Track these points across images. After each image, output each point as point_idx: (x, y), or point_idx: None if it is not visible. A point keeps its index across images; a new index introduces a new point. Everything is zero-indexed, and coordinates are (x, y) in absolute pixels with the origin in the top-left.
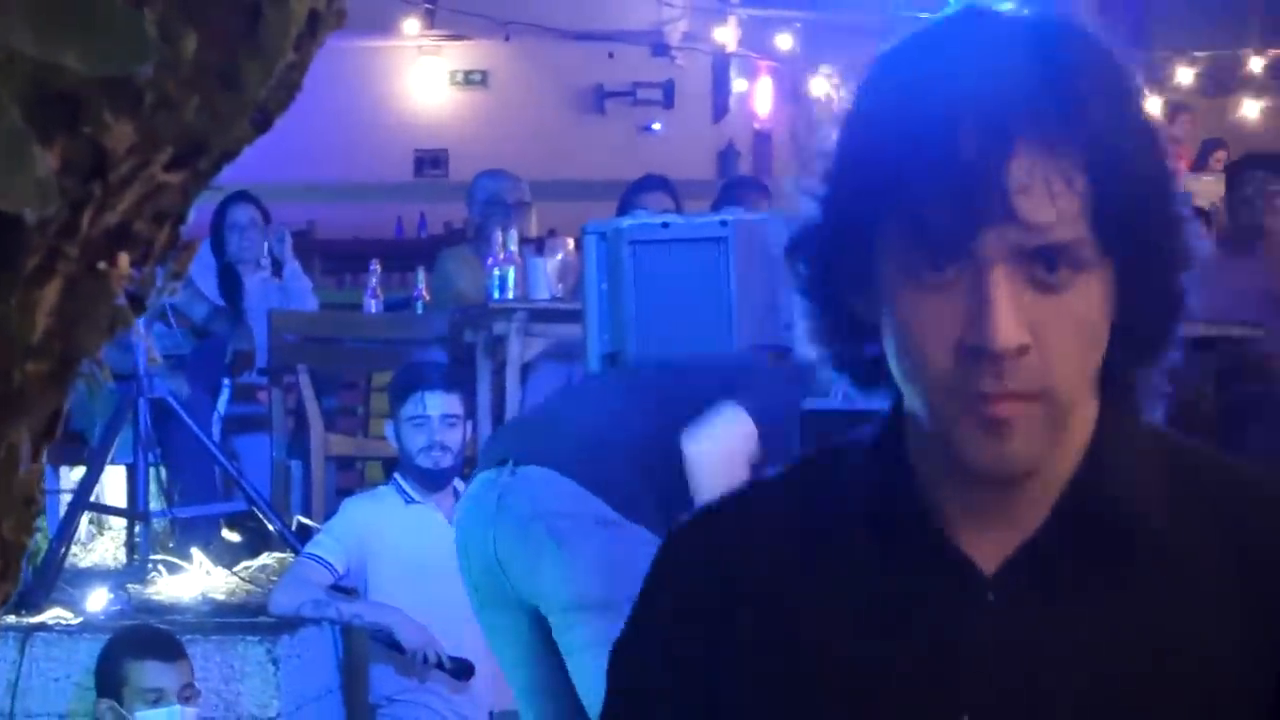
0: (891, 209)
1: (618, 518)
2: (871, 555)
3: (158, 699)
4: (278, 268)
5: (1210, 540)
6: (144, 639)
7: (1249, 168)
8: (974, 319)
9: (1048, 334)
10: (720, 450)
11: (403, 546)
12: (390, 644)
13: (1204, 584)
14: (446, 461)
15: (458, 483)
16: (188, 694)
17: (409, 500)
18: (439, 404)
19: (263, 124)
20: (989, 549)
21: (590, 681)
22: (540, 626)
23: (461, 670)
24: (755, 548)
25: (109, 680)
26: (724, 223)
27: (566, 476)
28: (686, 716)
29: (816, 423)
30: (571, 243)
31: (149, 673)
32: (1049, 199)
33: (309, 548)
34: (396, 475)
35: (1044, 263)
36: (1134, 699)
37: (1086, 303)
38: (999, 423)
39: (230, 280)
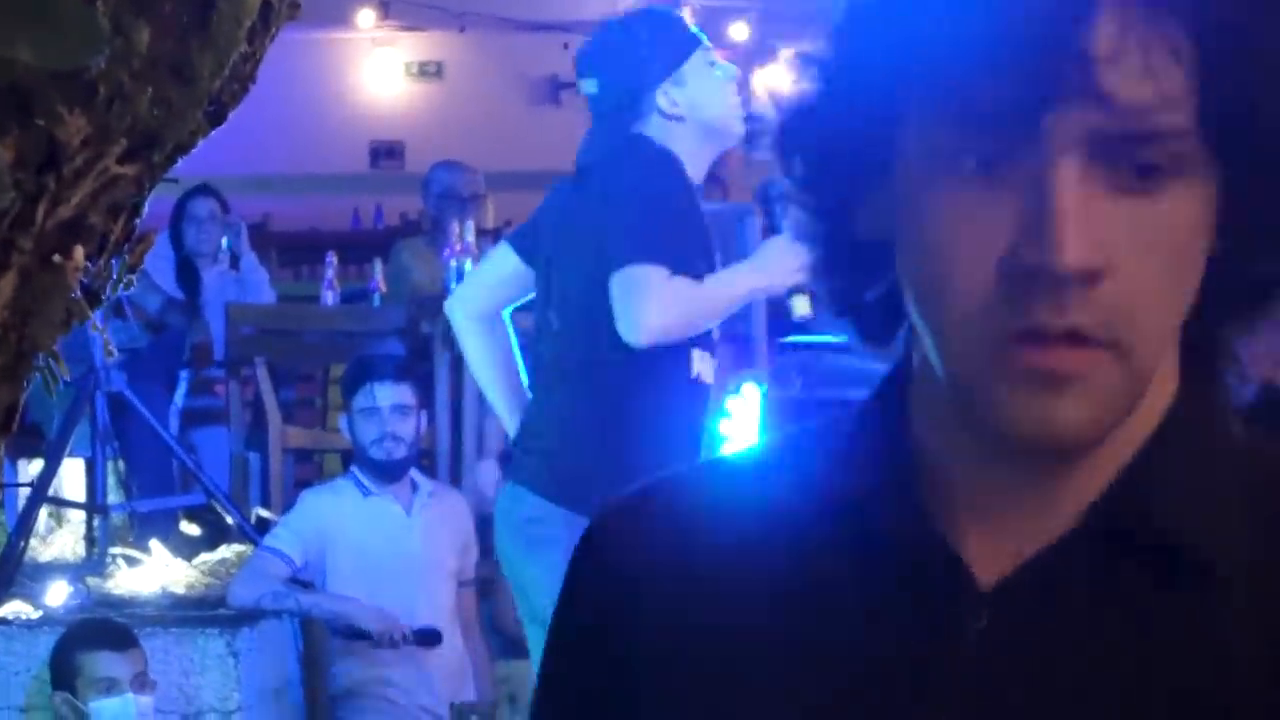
0: (923, 76)
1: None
2: (838, 554)
3: (110, 688)
4: (235, 260)
5: None
6: (95, 630)
7: None
8: (1031, 228)
9: (1130, 259)
10: (657, 309)
11: (361, 539)
12: (355, 634)
13: (1272, 657)
14: (399, 452)
15: (415, 474)
16: (141, 682)
17: (366, 492)
18: (389, 395)
19: (216, 116)
20: (997, 556)
21: None
22: None
23: (428, 638)
24: (689, 540)
25: (63, 673)
26: None
27: (534, 493)
28: None
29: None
30: None
31: (101, 663)
32: (1145, 71)
33: (267, 540)
34: (354, 468)
35: (1130, 159)
36: None
37: (1183, 221)
38: (1054, 375)
39: (188, 273)
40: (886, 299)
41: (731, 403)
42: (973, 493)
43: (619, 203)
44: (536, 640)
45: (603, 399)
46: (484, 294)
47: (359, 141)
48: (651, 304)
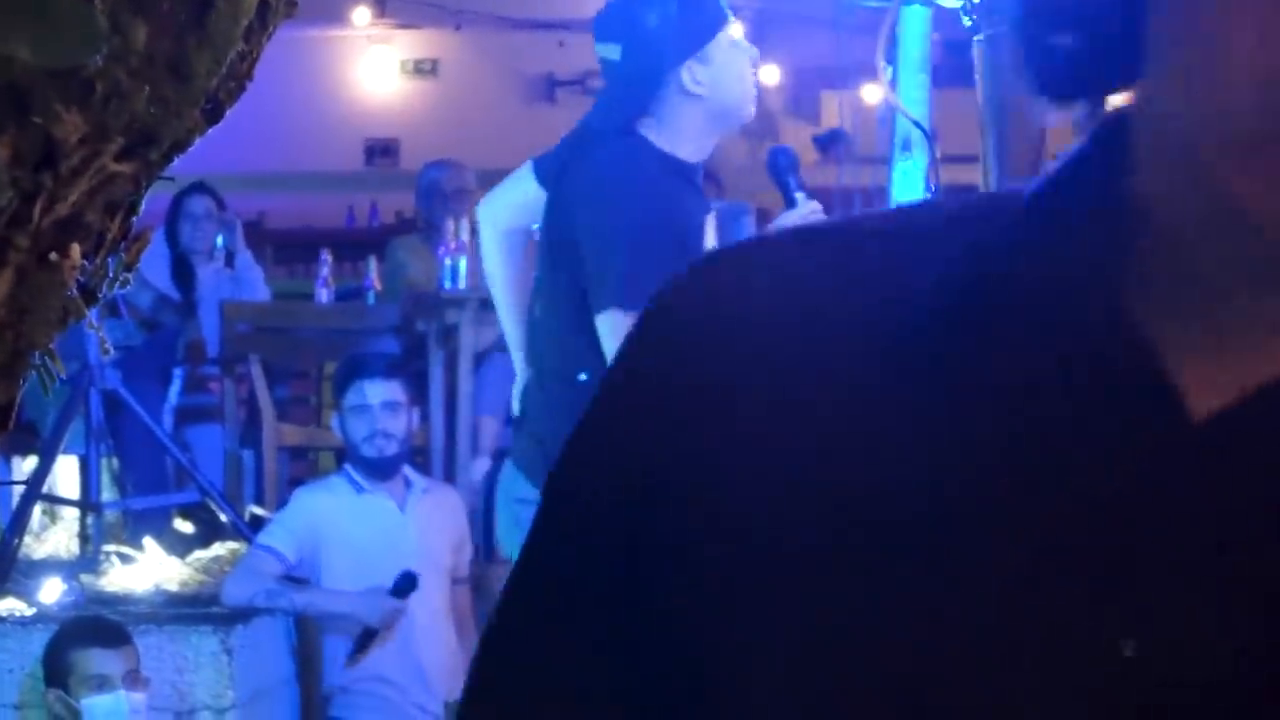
0: None
1: None
2: (1000, 349)
3: (102, 685)
4: (230, 258)
5: None
6: (87, 627)
7: None
8: None
9: None
10: None
11: (354, 536)
12: (364, 636)
13: None
14: (391, 449)
15: (409, 471)
16: (134, 680)
17: (360, 489)
18: (379, 392)
19: (214, 114)
20: (1214, 383)
21: None
22: None
23: (405, 587)
24: (794, 314)
25: (56, 670)
26: None
27: (524, 475)
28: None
29: None
30: None
31: (93, 660)
32: None
33: (260, 538)
34: (347, 465)
35: None
36: None
37: None
38: None
39: (183, 270)
40: (1098, 48)
41: None
42: (1200, 301)
43: (599, 235)
44: None
45: (583, 394)
46: (509, 212)
47: (354, 139)
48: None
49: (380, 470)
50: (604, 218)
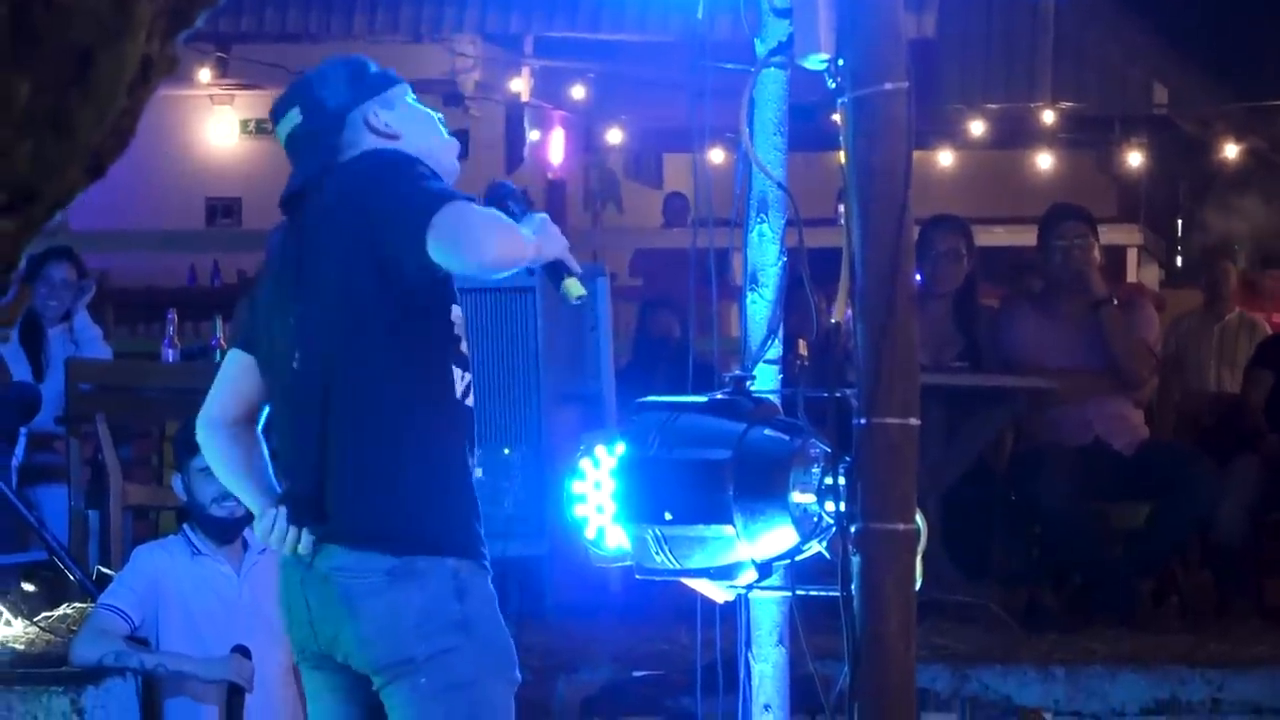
0: None
1: (405, 563)
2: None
3: None
4: (67, 315)
5: None
6: None
7: (1062, 217)
8: None
9: None
10: (493, 223)
11: (190, 599)
12: (233, 699)
13: None
14: (240, 511)
15: (249, 533)
16: None
17: (195, 553)
18: None
19: (96, 170)
20: None
21: None
22: (355, 689)
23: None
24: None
25: None
26: (531, 272)
27: (344, 545)
28: None
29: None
30: None
31: None
32: None
33: (104, 598)
34: (186, 527)
35: None
36: None
37: None
38: None
39: (33, 331)
40: None
41: (583, 463)
42: None
43: (391, 182)
44: (325, 685)
45: (381, 432)
46: (219, 402)
47: (195, 198)
48: (486, 221)
49: (224, 532)
50: (389, 170)
